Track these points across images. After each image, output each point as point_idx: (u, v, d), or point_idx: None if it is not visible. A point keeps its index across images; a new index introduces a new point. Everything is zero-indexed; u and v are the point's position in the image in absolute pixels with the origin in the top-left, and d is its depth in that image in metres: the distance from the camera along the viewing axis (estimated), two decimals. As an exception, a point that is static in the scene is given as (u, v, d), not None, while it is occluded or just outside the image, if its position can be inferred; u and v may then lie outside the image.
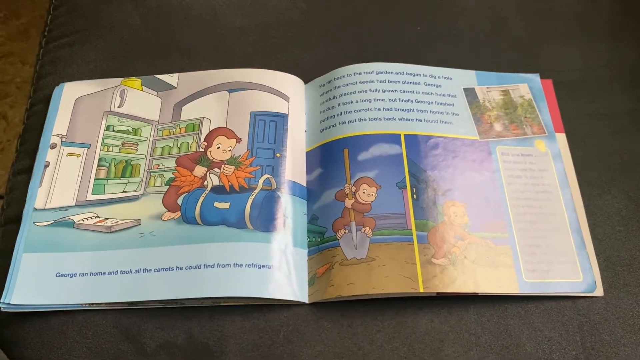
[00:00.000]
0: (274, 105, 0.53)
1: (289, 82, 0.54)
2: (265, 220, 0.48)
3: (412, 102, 0.53)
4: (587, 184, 0.51)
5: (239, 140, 0.51)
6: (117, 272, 0.46)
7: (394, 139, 0.51)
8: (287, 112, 0.53)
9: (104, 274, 0.46)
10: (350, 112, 0.52)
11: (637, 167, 0.52)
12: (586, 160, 0.52)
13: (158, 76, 0.55)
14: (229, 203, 0.48)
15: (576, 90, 0.56)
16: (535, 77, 0.56)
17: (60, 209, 0.49)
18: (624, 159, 0.53)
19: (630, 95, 0.56)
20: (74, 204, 0.49)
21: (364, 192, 0.49)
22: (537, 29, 0.60)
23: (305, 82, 0.55)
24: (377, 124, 0.51)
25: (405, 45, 0.59)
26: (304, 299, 0.46)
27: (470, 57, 0.58)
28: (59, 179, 0.50)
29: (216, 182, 0.50)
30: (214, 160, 0.51)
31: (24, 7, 1.12)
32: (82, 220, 0.49)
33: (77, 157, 0.52)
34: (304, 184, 0.51)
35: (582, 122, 0.54)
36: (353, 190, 0.49)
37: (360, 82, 0.53)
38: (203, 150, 0.51)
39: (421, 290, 0.45)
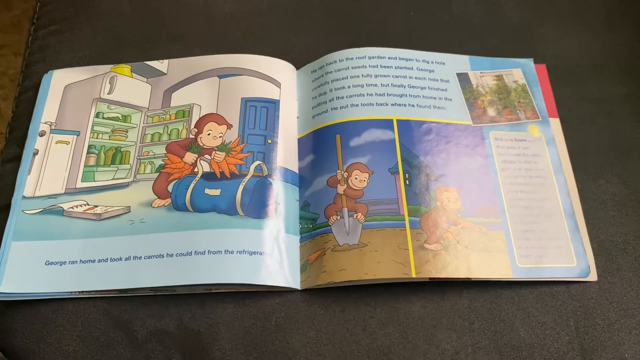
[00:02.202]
0: (265, 91, 0.52)
1: (280, 68, 0.54)
2: (256, 207, 0.47)
3: (404, 87, 0.53)
4: (581, 169, 0.51)
5: (229, 126, 0.51)
6: (107, 259, 0.46)
7: (386, 124, 0.50)
8: (278, 98, 0.52)
9: (93, 261, 0.46)
10: (343, 97, 0.52)
11: (631, 151, 0.52)
12: (580, 145, 0.52)
13: (148, 62, 0.55)
14: (219, 190, 0.48)
15: (570, 75, 0.56)
16: (529, 62, 0.56)
17: (50, 196, 0.49)
18: (618, 143, 0.52)
19: (624, 79, 0.56)
20: (63, 191, 0.49)
21: (356, 178, 0.48)
22: (531, 14, 0.60)
23: (297, 67, 0.55)
24: (370, 109, 0.51)
25: (398, 30, 0.58)
26: (296, 285, 0.46)
27: (463, 42, 0.57)
28: (48, 167, 0.50)
29: (207, 168, 0.49)
30: (204, 146, 0.50)
31: (16, -1, 1.11)
32: (72, 207, 0.48)
33: (67, 144, 0.51)
34: (296, 171, 0.50)
35: (576, 107, 0.54)
36: (345, 176, 0.48)
37: (352, 68, 0.53)
38: (193, 136, 0.51)
39: (414, 275, 0.45)
